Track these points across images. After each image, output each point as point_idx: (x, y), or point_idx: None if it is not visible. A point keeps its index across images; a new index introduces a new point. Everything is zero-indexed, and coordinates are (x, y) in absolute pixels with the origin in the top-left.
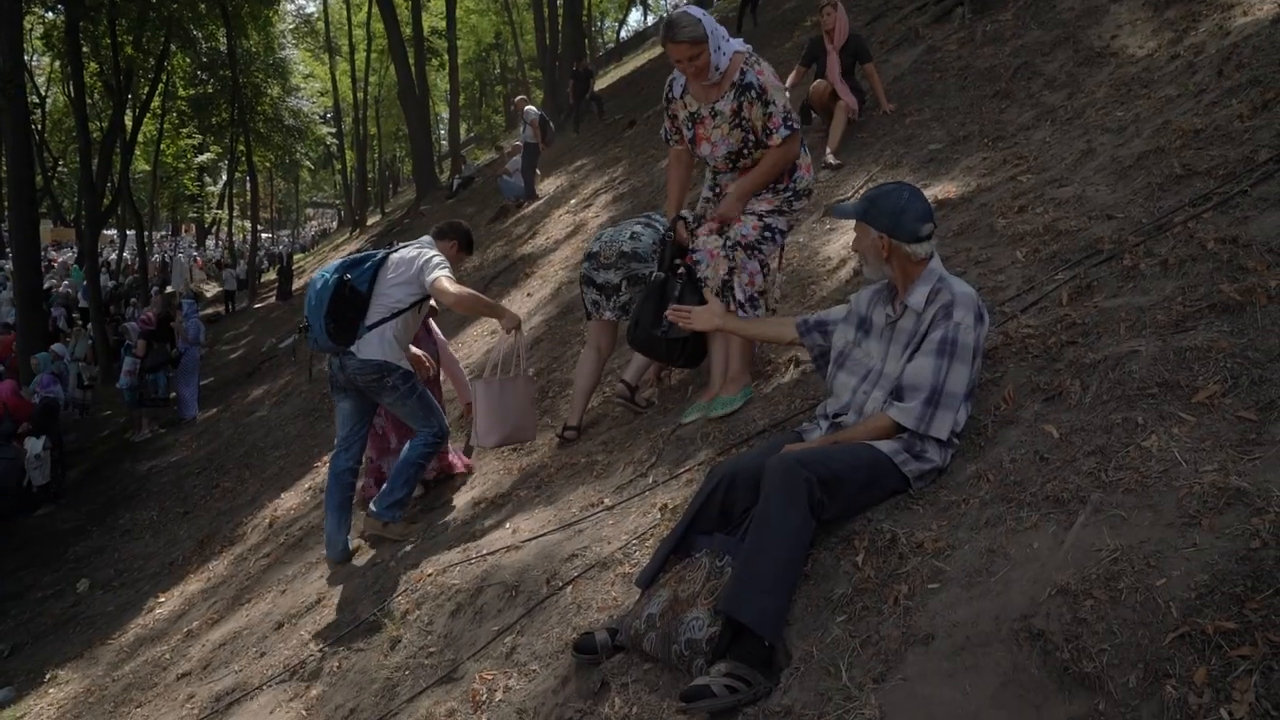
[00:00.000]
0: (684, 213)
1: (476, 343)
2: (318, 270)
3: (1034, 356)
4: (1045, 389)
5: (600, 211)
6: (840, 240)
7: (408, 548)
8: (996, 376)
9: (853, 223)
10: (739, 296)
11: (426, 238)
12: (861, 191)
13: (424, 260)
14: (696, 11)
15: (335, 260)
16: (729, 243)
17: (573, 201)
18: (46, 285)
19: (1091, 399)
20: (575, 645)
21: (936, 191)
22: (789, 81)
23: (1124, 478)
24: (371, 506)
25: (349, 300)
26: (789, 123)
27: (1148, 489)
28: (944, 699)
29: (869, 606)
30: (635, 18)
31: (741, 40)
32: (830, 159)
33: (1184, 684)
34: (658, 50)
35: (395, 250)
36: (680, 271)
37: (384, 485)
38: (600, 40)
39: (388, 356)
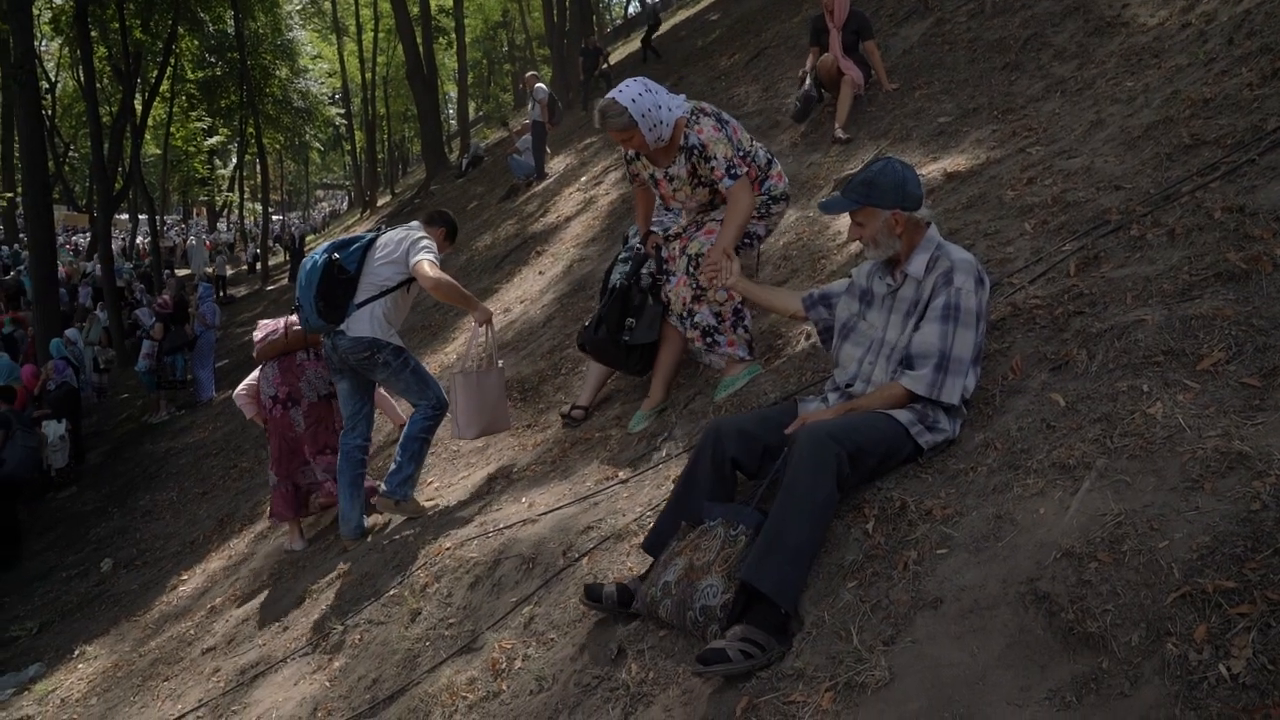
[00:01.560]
0: (654, 227)
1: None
2: (310, 253)
3: (1041, 327)
4: (1052, 359)
5: (610, 189)
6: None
7: (424, 523)
8: (1004, 347)
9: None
10: (709, 322)
11: (416, 222)
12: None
13: (411, 241)
14: (630, 91)
15: (325, 243)
16: (691, 261)
17: (583, 179)
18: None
19: (1098, 368)
20: (585, 590)
21: (946, 164)
22: (806, 65)
23: (1129, 444)
24: (382, 485)
25: (337, 279)
26: (733, 171)
27: (1152, 455)
28: (952, 660)
29: (879, 572)
30: None
31: (683, 98)
32: (839, 134)
33: (1184, 641)
34: (666, 26)
35: (384, 232)
36: (647, 284)
37: (392, 465)
38: (608, 17)
39: (377, 334)
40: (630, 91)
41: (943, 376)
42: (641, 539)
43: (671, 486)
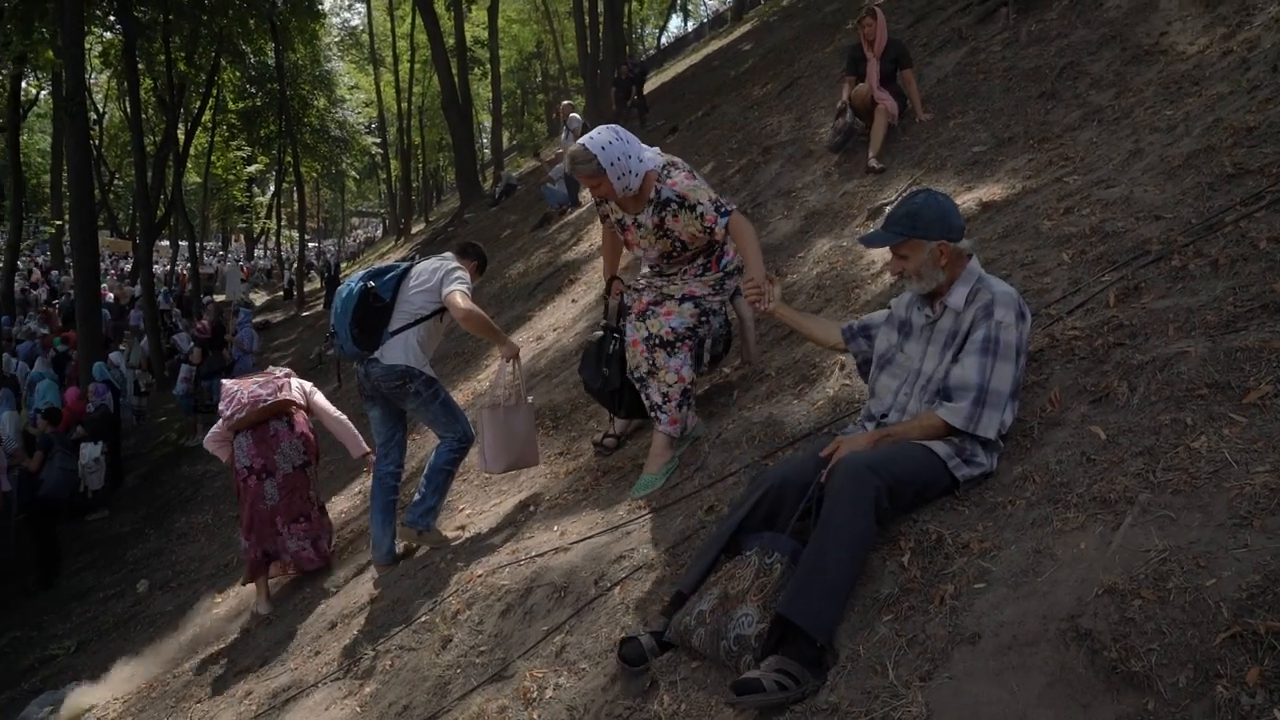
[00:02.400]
0: (619, 275)
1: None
2: (345, 280)
3: (1080, 358)
4: (1092, 391)
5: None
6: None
7: (456, 549)
8: (1042, 378)
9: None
10: (655, 399)
11: (449, 253)
12: (893, 202)
13: (445, 271)
14: (600, 139)
15: (360, 271)
16: (651, 340)
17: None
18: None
19: (1139, 400)
20: (621, 655)
21: (981, 194)
22: (843, 95)
23: (1173, 479)
24: (406, 516)
25: (373, 307)
26: (723, 209)
27: (1197, 490)
28: (991, 698)
29: (915, 606)
30: (675, 23)
31: (656, 151)
32: (873, 163)
33: (1236, 684)
34: (699, 55)
35: (418, 261)
36: (615, 334)
37: (416, 494)
38: (641, 46)
39: (411, 362)
40: (600, 139)
41: (980, 410)
42: (674, 569)
43: (703, 516)
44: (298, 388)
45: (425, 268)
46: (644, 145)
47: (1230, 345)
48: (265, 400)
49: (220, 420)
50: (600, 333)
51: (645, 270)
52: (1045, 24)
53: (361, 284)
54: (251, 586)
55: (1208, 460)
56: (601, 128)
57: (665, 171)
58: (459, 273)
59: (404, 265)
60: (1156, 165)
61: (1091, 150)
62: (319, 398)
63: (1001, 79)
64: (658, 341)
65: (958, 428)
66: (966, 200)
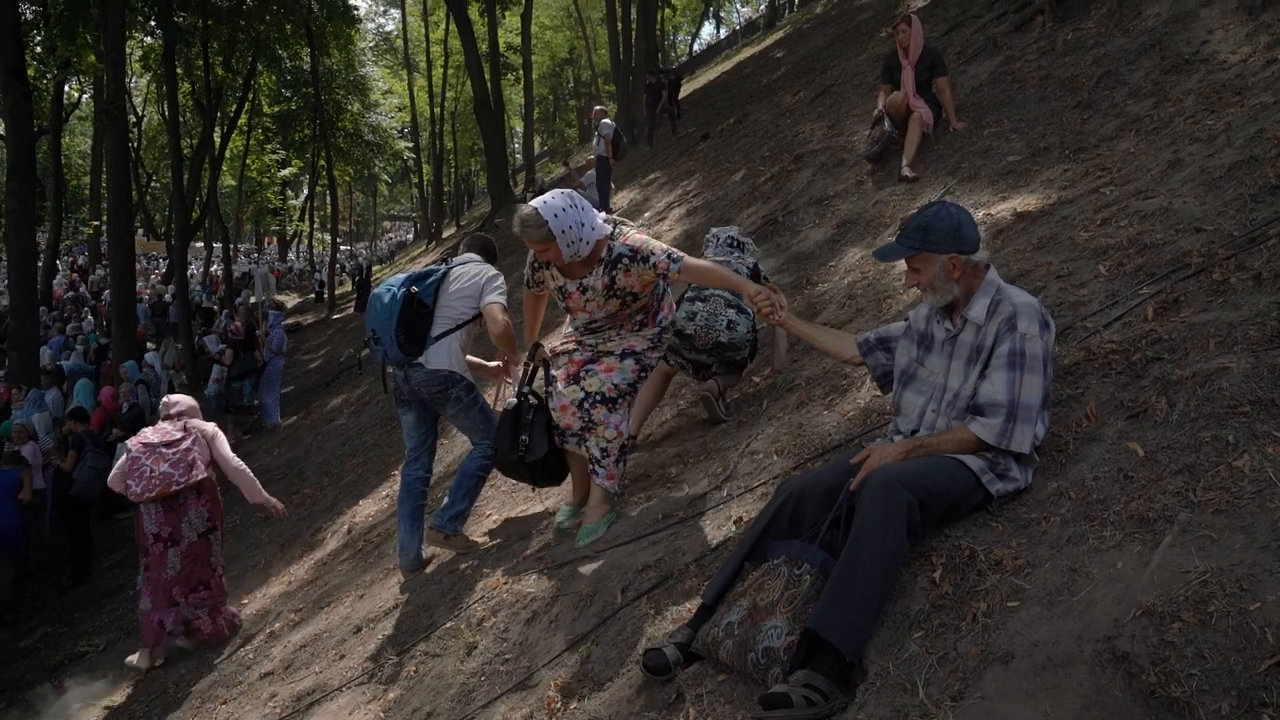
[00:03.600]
0: (540, 341)
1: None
2: (381, 284)
3: (1117, 373)
4: (1129, 406)
5: (674, 224)
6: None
7: (482, 556)
8: (1078, 393)
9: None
10: (595, 453)
11: (472, 255)
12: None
13: (486, 278)
14: (554, 205)
15: (398, 274)
16: (587, 399)
17: (646, 214)
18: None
19: (1179, 416)
20: (646, 665)
21: (1015, 204)
22: (878, 105)
23: (1214, 498)
24: (434, 519)
25: (417, 313)
26: (673, 256)
27: (1239, 510)
28: (1024, 719)
29: (946, 623)
30: (708, 31)
31: (603, 217)
32: (906, 172)
33: None
34: (731, 62)
35: (455, 265)
36: (534, 401)
37: (445, 498)
38: (674, 53)
39: (454, 367)
40: (554, 205)
41: (1013, 425)
42: (701, 580)
43: (732, 528)
44: (201, 442)
45: (465, 272)
46: (595, 212)
47: (1274, 361)
48: (177, 483)
49: (124, 489)
50: (515, 400)
51: (571, 330)
52: (1082, 33)
53: (404, 289)
54: (276, 589)
55: (1251, 480)
56: (557, 193)
57: (617, 231)
58: (499, 281)
59: (442, 269)
60: (1197, 176)
61: (1129, 161)
62: (222, 447)
63: (1037, 88)
64: (599, 398)
65: (990, 444)
66: (1001, 210)
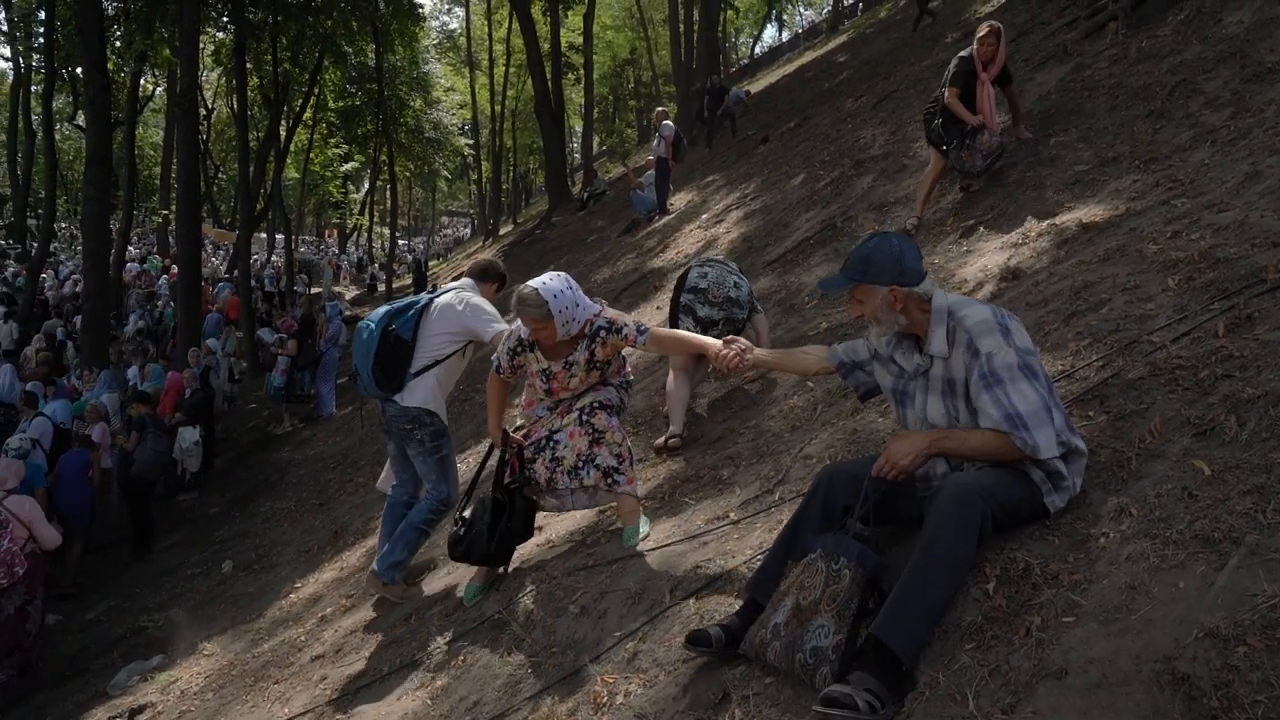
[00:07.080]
0: (505, 426)
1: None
2: (365, 317)
3: (1184, 389)
4: (1196, 423)
5: (731, 227)
6: (978, 263)
7: (531, 551)
8: (1143, 408)
9: (903, 279)
10: (609, 463)
11: (468, 280)
12: (986, 219)
13: (469, 311)
14: (553, 287)
15: (381, 308)
16: (584, 411)
17: (704, 217)
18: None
19: (1249, 436)
20: (689, 638)
21: (1081, 214)
22: (968, 120)
23: None
24: (375, 565)
25: (395, 349)
26: (641, 329)
27: None
28: None
29: (999, 636)
30: (770, 33)
31: (591, 300)
32: (913, 221)
33: None
34: (792, 66)
35: (438, 296)
36: (514, 486)
37: (385, 545)
38: (735, 56)
39: (428, 404)
40: (553, 287)
41: (1027, 434)
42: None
43: (781, 530)
44: (17, 533)
45: (448, 304)
46: (584, 294)
47: None
48: None
49: None
50: (491, 501)
51: (540, 408)
52: (1157, 40)
53: (382, 326)
54: (329, 574)
55: None
56: (553, 275)
57: (601, 307)
58: (485, 312)
59: (424, 300)
60: (1276, 189)
61: (1203, 172)
62: (38, 523)
63: (1108, 96)
64: (597, 405)
65: (1024, 454)
66: (1066, 220)
